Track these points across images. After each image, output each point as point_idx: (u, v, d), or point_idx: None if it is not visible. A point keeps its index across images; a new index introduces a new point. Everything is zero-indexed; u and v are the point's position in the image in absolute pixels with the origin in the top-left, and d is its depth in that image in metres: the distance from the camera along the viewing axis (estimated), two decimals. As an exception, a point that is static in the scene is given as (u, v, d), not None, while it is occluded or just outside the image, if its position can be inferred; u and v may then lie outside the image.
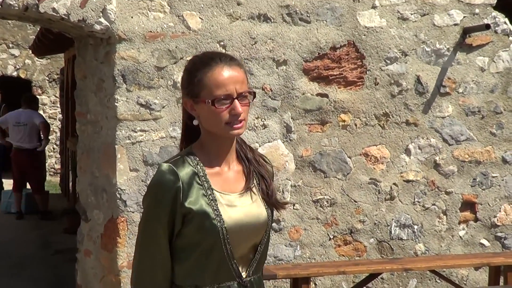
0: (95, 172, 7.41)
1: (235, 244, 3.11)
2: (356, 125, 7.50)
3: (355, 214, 7.59)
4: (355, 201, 7.56)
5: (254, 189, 3.18)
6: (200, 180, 3.10)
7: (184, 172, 3.11)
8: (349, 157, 7.49)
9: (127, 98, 6.88)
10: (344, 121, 7.44)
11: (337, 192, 7.49)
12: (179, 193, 3.06)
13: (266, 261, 3.41)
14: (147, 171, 6.92)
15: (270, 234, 3.31)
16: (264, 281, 3.41)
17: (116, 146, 6.90)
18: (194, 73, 3.08)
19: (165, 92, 6.96)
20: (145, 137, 6.95)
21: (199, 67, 3.07)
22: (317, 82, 7.37)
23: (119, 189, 6.90)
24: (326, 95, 7.36)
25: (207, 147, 3.15)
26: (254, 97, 3.15)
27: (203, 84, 3.03)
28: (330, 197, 7.49)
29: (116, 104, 6.84)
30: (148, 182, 6.43)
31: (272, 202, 3.21)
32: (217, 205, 3.08)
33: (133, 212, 6.99)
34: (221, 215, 3.06)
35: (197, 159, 3.15)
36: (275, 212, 3.32)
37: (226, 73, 3.02)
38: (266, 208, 3.18)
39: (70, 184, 11.12)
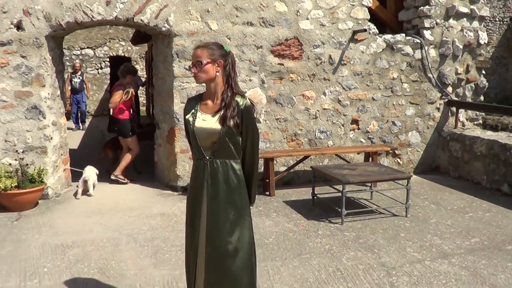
0: (162, 103, 8.57)
1: (200, 138, 3.60)
2: (298, 79, 8.69)
3: (297, 125, 8.79)
4: (297, 119, 8.77)
5: (219, 114, 3.58)
6: (195, 106, 3.67)
7: (190, 102, 3.74)
8: (294, 96, 8.71)
9: (178, 66, 8.06)
10: (292, 77, 8.66)
11: (288, 114, 8.68)
12: (185, 111, 3.72)
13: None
14: None
15: (230, 139, 3.58)
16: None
17: (173, 90, 8.12)
18: None
19: None
20: (188, 85, 8.12)
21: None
22: (277, 57, 8.53)
23: (175, 113, 8.16)
24: (282, 64, 8.56)
25: (206, 91, 3.72)
26: (208, 64, 3.50)
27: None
28: (284, 116, 8.67)
29: (173, 68, 8.08)
30: None
31: (223, 122, 3.54)
32: (195, 118, 3.62)
33: (181, 124, 8.00)
34: (195, 123, 3.60)
35: (201, 97, 3.73)
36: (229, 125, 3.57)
37: (193, 52, 3.59)
38: (221, 125, 3.55)
39: (151, 110, 11.64)
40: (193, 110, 3.64)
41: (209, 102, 3.63)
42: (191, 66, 3.57)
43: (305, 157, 8.61)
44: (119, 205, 7.68)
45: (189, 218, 3.75)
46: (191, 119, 3.60)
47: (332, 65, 8.89)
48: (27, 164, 7.53)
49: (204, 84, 3.65)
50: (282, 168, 8.80)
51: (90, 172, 8.33)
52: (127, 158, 9.07)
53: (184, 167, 8.32)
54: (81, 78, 16.38)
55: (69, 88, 16.19)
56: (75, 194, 8.21)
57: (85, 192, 8.27)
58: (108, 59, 20.50)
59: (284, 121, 8.77)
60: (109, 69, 20.58)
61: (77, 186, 8.27)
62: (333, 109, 9.00)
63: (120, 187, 8.84)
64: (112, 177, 8.91)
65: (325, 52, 8.81)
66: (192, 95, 7.36)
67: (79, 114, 16.77)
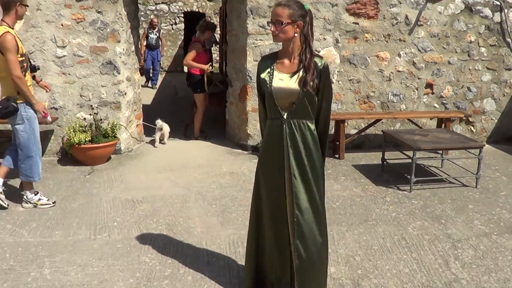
0: (235, 61, 8.66)
1: (278, 98, 3.60)
2: (373, 40, 8.59)
3: (370, 87, 8.71)
4: (370, 81, 8.69)
5: (298, 75, 3.57)
6: (271, 65, 3.66)
7: (265, 61, 3.73)
8: (368, 57, 8.61)
9: (253, 23, 8.09)
10: (366, 37, 8.56)
11: (361, 75, 8.62)
12: (258, 72, 3.73)
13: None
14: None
15: (309, 100, 3.58)
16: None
17: (247, 48, 8.18)
18: None
19: None
20: (262, 43, 8.17)
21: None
22: (353, 16, 8.45)
23: (248, 71, 8.21)
24: (357, 23, 8.48)
25: (281, 48, 3.69)
26: (288, 24, 3.46)
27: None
28: (357, 78, 8.60)
29: (247, 25, 8.12)
30: None
31: (303, 84, 3.53)
32: (272, 77, 3.61)
33: (254, 83, 8.07)
34: (272, 82, 3.60)
35: (277, 55, 3.71)
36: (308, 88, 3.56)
37: (272, 10, 3.54)
38: (300, 86, 3.55)
39: (224, 67, 11.64)
40: (268, 69, 3.65)
41: (286, 61, 3.63)
42: (270, 23, 3.55)
43: (377, 121, 8.55)
44: (190, 162, 7.81)
45: (265, 177, 3.78)
46: (267, 78, 3.62)
47: (408, 26, 8.71)
48: (101, 119, 7.74)
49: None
50: (353, 131, 8.76)
51: (163, 123, 8.85)
52: (197, 118, 9.28)
53: (255, 126, 8.39)
54: (157, 34, 16.22)
55: (144, 43, 16.13)
56: (153, 142, 8.75)
57: (161, 140, 8.81)
58: (182, 15, 20.66)
59: (357, 82, 8.70)
60: (183, 25, 20.76)
61: (154, 136, 8.83)
62: (407, 72, 8.84)
63: (191, 144, 8.99)
64: (193, 139, 9.24)
65: (402, 12, 8.64)
66: (266, 53, 7.35)
67: (152, 72, 16.55)
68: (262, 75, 3.66)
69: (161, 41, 16.50)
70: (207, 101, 9.35)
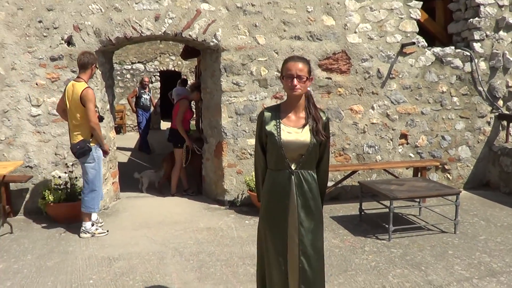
0: (210, 118, 8.66)
1: (287, 151, 3.68)
2: (346, 93, 8.68)
3: (345, 140, 8.76)
4: (345, 133, 8.74)
5: (307, 127, 3.69)
6: (276, 118, 3.74)
7: (268, 114, 3.80)
8: (342, 111, 8.68)
9: (226, 80, 8.16)
10: (339, 91, 8.65)
11: (336, 129, 8.66)
12: (263, 123, 3.79)
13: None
14: (237, 117, 8.14)
15: (314, 151, 3.70)
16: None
17: (221, 105, 8.21)
18: (283, 64, 3.72)
19: (246, 77, 8.16)
20: (236, 100, 8.20)
21: (285, 61, 3.72)
22: (325, 71, 8.53)
23: (223, 127, 8.24)
24: (330, 78, 8.57)
25: (286, 102, 3.80)
26: (307, 79, 3.62)
27: (282, 69, 3.71)
28: (332, 131, 8.55)
29: (221, 83, 8.17)
30: (239, 124, 7.85)
31: (315, 135, 3.66)
32: (280, 131, 3.68)
33: (230, 139, 8.21)
34: (280, 135, 3.67)
35: (279, 108, 3.79)
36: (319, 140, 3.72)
37: (292, 64, 3.64)
38: (311, 137, 3.64)
39: (200, 124, 11.02)
40: (274, 122, 3.73)
41: (292, 115, 3.73)
42: (285, 77, 3.65)
43: (353, 172, 8.55)
44: (166, 219, 7.73)
45: (270, 231, 3.81)
46: (274, 132, 3.69)
47: (380, 79, 8.84)
48: (76, 177, 7.66)
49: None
50: (330, 183, 8.73)
51: (145, 173, 9.44)
52: (175, 174, 9.32)
53: (231, 181, 8.37)
54: (150, 95, 15.30)
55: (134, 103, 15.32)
56: (141, 187, 9.37)
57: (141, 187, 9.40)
58: (158, 74, 20.78)
59: (332, 135, 8.72)
60: (159, 83, 20.86)
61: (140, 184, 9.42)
62: (381, 124, 8.93)
63: (167, 201, 8.91)
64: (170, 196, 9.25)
65: (373, 66, 8.77)
66: (241, 110, 7.84)
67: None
68: (268, 128, 3.73)
69: (152, 101, 15.60)
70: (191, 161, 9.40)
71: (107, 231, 7.01)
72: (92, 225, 6.94)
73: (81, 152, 6.63)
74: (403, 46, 8.81)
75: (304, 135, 3.67)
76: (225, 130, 8.30)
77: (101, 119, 6.92)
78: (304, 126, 3.69)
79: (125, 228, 7.29)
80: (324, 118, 3.74)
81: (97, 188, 6.84)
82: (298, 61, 3.64)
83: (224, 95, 8.24)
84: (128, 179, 9.89)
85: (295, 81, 3.60)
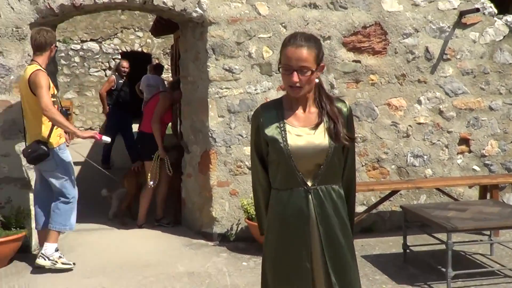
0: (193, 118, 8.71)
1: (298, 161, 3.71)
2: (381, 83, 8.75)
3: (381, 147, 8.82)
4: (381, 138, 8.80)
5: (322, 126, 3.72)
6: (278, 118, 3.79)
7: (266, 112, 3.85)
8: (376, 106, 8.76)
9: (215, 65, 8.23)
10: (372, 80, 8.72)
11: (367, 132, 8.73)
12: (260, 127, 3.82)
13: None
14: (230, 117, 8.23)
15: (337, 157, 3.75)
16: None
17: (208, 99, 8.25)
18: (281, 47, 3.74)
19: (243, 61, 8.25)
20: (228, 92, 8.29)
21: (284, 43, 3.72)
22: (352, 52, 8.65)
23: (210, 130, 8.26)
24: (359, 61, 8.65)
25: (290, 96, 3.81)
26: (314, 71, 3.63)
27: (281, 55, 3.73)
28: (362, 135, 8.68)
29: (208, 69, 8.21)
30: (233, 126, 8.06)
31: (335, 138, 3.68)
32: (285, 134, 3.73)
33: (220, 146, 8.30)
34: (287, 141, 3.71)
35: (282, 103, 3.85)
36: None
37: (291, 52, 3.63)
38: (329, 140, 3.68)
39: (178, 126, 11.67)
40: (276, 124, 3.78)
41: (300, 111, 3.80)
42: (284, 69, 3.68)
43: (393, 193, 8.53)
44: (131, 260, 7.69)
45: (281, 277, 3.83)
46: (278, 136, 3.74)
47: (430, 61, 8.89)
48: (0, 203, 7.59)
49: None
50: (361, 208, 8.66)
51: (118, 192, 9.64)
52: (146, 197, 9.37)
53: (223, 207, 8.43)
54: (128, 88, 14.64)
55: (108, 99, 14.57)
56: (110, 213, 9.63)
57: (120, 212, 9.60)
58: (119, 56, 20.86)
59: (362, 141, 8.78)
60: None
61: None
62: (432, 124, 8.98)
63: (133, 234, 8.92)
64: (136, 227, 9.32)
65: (420, 43, 8.81)
66: (236, 105, 8.05)
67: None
68: (268, 131, 3.77)
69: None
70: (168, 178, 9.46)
71: (74, 263, 7.17)
72: (56, 250, 7.09)
73: (34, 157, 6.83)
74: (462, 14, 8.82)
75: (319, 137, 3.72)
76: (214, 135, 8.36)
77: (64, 113, 7.13)
78: (317, 125, 3.74)
79: (71, 276, 7.17)
80: (345, 110, 3.80)
81: (71, 198, 7.11)
82: (301, 45, 3.63)
83: (212, 86, 8.32)
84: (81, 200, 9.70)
85: (295, 76, 3.62)
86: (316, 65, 3.64)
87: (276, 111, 3.81)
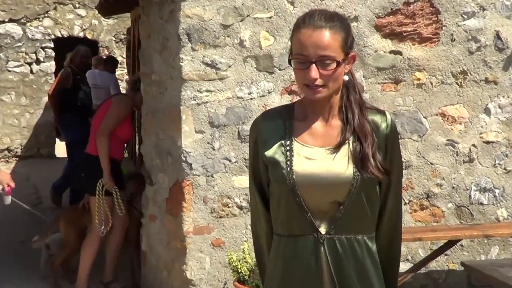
0: (160, 134, 8.81)
1: (308, 197, 3.72)
2: (432, 83, 8.75)
3: (432, 177, 8.80)
4: (432, 164, 8.80)
5: (346, 147, 3.73)
6: (284, 132, 3.82)
7: (269, 124, 3.90)
8: (425, 117, 8.74)
9: (192, 58, 8.27)
10: (419, 79, 8.72)
11: (412, 154, 8.73)
12: (258, 143, 3.89)
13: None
14: (213, 133, 8.25)
15: (366, 195, 3.74)
16: None
17: (181, 107, 8.27)
18: (293, 30, 3.77)
19: (232, 51, 8.31)
20: (211, 97, 8.34)
21: (296, 24, 3.75)
22: (390, 39, 8.66)
23: (184, 152, 8.28)
24: (399, 52, 8.66)
25: (305, 102, 3.85)
26: (340, 63, 3.62)
27: (292, 41, 3.75)
28: (405, 159, 8.42)
29: (181, 63, 8.25)
30: (216, 147, 8.18)
31: (361, 165, 3.68)
32: (292, 155, 3.76)
33: (198, 176, 8.33)
34: (292, 166, 3.73)
35: (292, 112, 3.89)
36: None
37: (307, 36, 3.63)
38: (353, 169, 3.68)
39: (137, 147, 12.03)
40: (281, 141, 3.78)
41: (317, 124, 3.80)
42: (297, 61, 3.66)
43: (450, 243, 8.46)
44: None
45: None
46: (281, 158, 3.73)
47: (501, 52, 8.90)
48: None
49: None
50: (403, 266, 8.56)
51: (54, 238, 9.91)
52: (86, 249, 9.42)
53: (202, 264, 8.47)
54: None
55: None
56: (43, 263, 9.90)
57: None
58: (51, 43, 21.14)
59: (405, 167, 8.60)
60: (54, 64, 21.11)
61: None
62: (506, 143, 8.98)
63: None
64: None
65: (488, 27, 8.83)
66: (220, 116, 8.27)
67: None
68: (268, 151, 3.78)
69: None
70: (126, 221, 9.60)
71: None
72: None
73: None
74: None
75: (340, 163, 3.69)
76: (189, 159, 8.36)
77: None
78: (339, 145, 3.71)
79: None
80: (383, 126, 3.77)
81: None
82: (321, 27, 3.60)
83: (186, 88, 8.33)
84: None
85: (314, 70, 3.57)
86: (343, 54, 3.61)
87: (282, 121, 3.81)
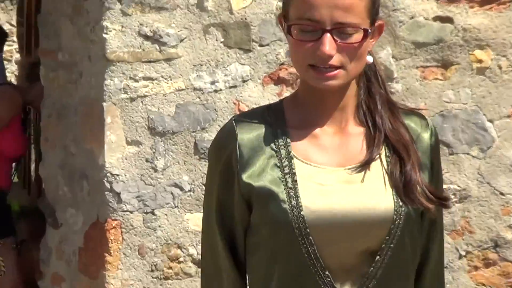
0: (70, 146, 7.36)
1: (325, 246, 2.93)
2: (500, 68, 7.22)
3: (502, 215, 7.32)
4: (502, 194, 7.27)
5: (379, 166, 2.97)
6: (276, 144, 3.05)
7: (251, 133, 3.10)
8: (490, 121, 7.23)
9: (122, 26, 6.73)
10: (480, 61, 7.16)
11: (471, 179, 7.21)
12: (230, 165, 3.05)
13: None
14: (155, 144, 6.83)
15: (409, 240, 2.96)
16: None
17: (104, 104, 6.70)
18: None
19: (185, 17, 6.80)
20: (152, 89, 6.80)
21: None
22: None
23: (109, 175, 6.74)
24: (449, 20, 7.13)
25: (302, 98, 3.06)
26: (365, 37, 2.83)
27: (290, 2, 2.96)
28: (459, 186, 7.15)
29: (105, 35, 6.68)
30: (158, 164, 6.96)
31: (405, 191, 2.92)
32: (295, 182, 2.95)
33: (131, 212, 6.87)
34: (298, 198, 2.92)
35: (282, 114, 3.10)
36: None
37: None
38: (394, 197, 2.91)
39: (32, 167, 11.15)
40: (274, 159, 3.00)
41: (326, 129, 3.01)
42: (301, 29, 2.80)
43: None
44: None
45: None
46: (277, 186, 2.92)
47: None
48: None
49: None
50: None
51: None
52: None
53: None
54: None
55: None
56: None
57: None
58: None
59: (459, 199, 7.32)
60: None
61: None
62: None
63: None
64: None
65: None
66: (166, 116, 7.20)
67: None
68: (254, 175, 3.00)
69: None
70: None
71: None
72: None
73: None
74: None
75: (373, 191, 2.88)
76: (116, 185, 6.86)
77: None
78: (368, 162, 2.86)
79: None
80: (425, 135, 3.02)
81: None
82: None
83: (113, 74, 6.87)
84: None
85: (328, 42, 2.71)
86: (369, 22, 2.80)
87: (271, 129, 3.00)
